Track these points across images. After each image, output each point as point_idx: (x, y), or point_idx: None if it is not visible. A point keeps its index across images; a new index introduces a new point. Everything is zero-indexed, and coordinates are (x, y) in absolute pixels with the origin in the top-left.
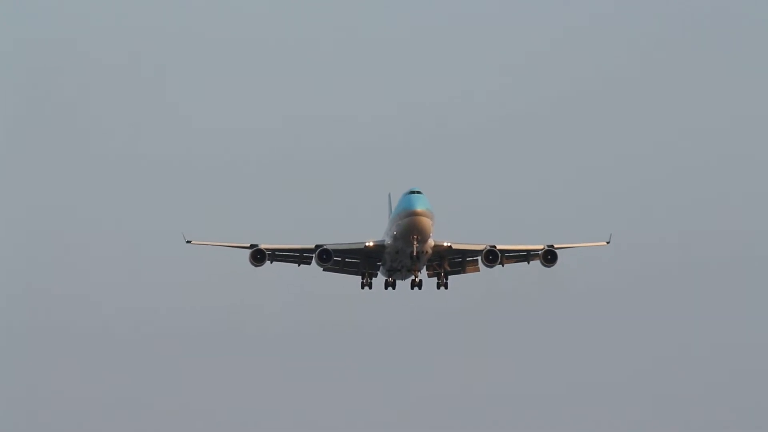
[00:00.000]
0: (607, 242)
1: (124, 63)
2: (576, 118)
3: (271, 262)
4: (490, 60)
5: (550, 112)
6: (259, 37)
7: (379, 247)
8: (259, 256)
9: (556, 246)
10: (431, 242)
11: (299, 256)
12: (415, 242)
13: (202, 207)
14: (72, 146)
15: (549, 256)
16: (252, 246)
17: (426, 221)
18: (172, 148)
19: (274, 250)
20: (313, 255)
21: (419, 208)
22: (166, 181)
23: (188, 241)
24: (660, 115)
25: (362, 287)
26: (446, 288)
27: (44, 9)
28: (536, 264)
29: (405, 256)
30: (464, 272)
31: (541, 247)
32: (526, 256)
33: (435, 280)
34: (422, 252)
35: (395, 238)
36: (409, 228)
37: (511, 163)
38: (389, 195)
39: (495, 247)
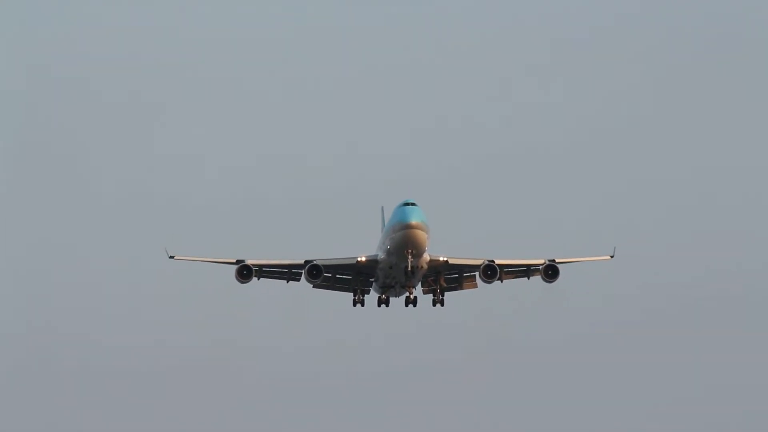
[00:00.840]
0: (611, 256)
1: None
2: (577, 129)
3: (258, 279)
4: (486, 72)
5: (550, 122)
6: (253, 76)
7: (372, 263)
8: (245, 272)
9: (557, 260)
10: (426, 257)
11: (288, 272)
12: (409, 257)
13: (187, 222)
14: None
15: (550, 271)
16: (238, 261)
17: (421, 234)
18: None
19: (261, 266)
20: (303, 271)
21: (414, 221)
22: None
23: (171, 257)
24: (666, 126)
25: (354, 305)
26: (442, 305)
27: (41, 42)
28: (537, 280)
29: (399, 271)
30: (461, 288)
31: (542, 261)
32: (526, 271)
33: (431, 297)
34: (417, 267)
35: (389, 252)
36: (404, 242)
37: (510, 174)
38: (382, 208)
39: (494, 261)
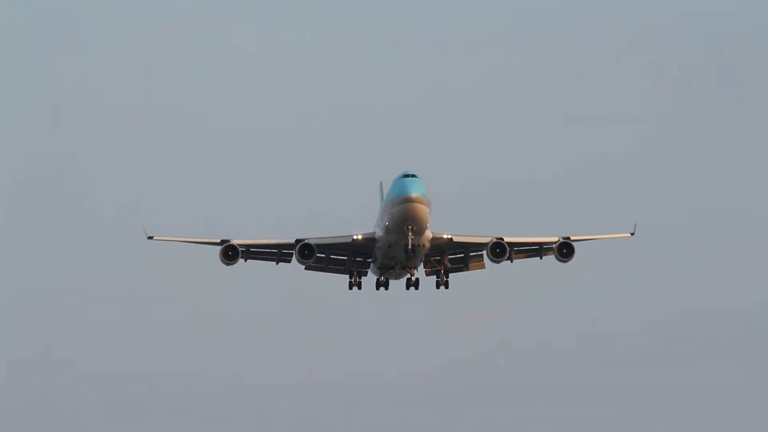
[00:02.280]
0: (632, 233)
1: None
2: (587, 99)
3: (246, 260)
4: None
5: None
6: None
7: (369, 241)
8: (231, 253)
9: (572, 238)
10: (429, 234)
11: (277, 253)
12: (409, 233)
13: (170, 198)
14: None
15: (565, 250)
16: (223, 242)
17: (422, 209)
18: None
19: (248, 246)
20: (294, 251)
21: (414, 194)
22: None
23: (150, 237)
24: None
25: (350, 287)
26: (447, 287)
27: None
28: (550, 259)
29: (399, 250)
30: (467, 269)
31: (555, 239)
32: (538, 250)
33: (434, 279)
34: (418, 245)
35: (387, 229)
36: (403, 216)
37: (517, 146)
38: (381, 183)
39: (502, 239)
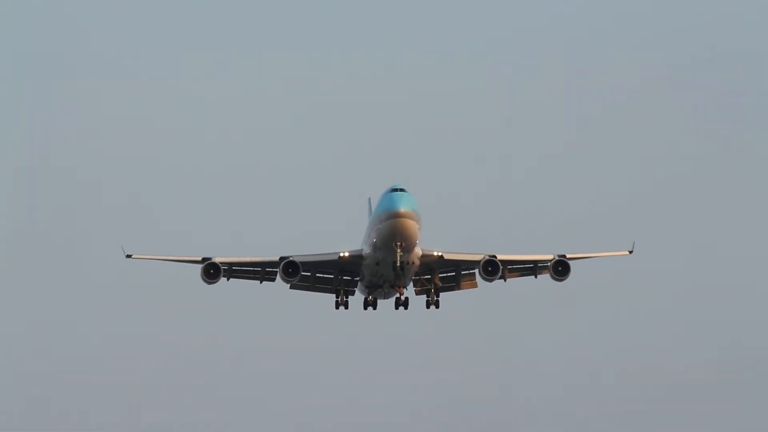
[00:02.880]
0: (630, 251)
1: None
2: (589, 109)
3: (228, 279)
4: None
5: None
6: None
7: (356, 258)
8: (212, 271)
9: (568, 256)
10: (418, 251)
11: (261, 271)
12: (398, 250)
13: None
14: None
15: (560, 268)
16: (204, 259)
17: (411, 224)
18: None
19: (230, 264)
20: (278, 269)
21: (403, 208)
22: None
23: (128, 255)
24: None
25: (337, 307)
26: (437, 307)
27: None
28: (545, 278)
29: (387, 268)
30: (459, 288)
31: (550, 257)
32: (533, 268)
33: (424, 298)
34: (407, 263)
35: (375, 246)
36: (391, 232)
37: (512, 160)
38: (369, 200)
39: (495, 257)
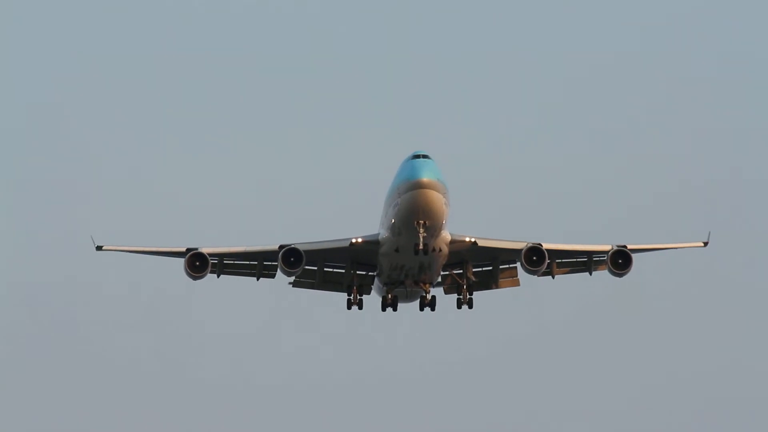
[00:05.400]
0: (705, 243)
1: None
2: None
3: (218, 276)
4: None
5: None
6: None
7: (372, 245)
8: (198, 264)
9: (629, 247)
10: (447, 236)
11: (258, 265)
12: (421, 230)
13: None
14: None
15: (620, 260)
16: (189, 250)
17: (436, 197)
18: None
19: (221, 256)
20: (278, 260)
21: (426, 177)
22: None
23: (99, 247)
24: None
25: (349, 306)
26: (470, 307)
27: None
28: (602, 275)
29: (408, 255)
30: (497, 286)
31: (608, 247)
32: (586, 262)
33: (454, 297)
34: (433, 250)
35: (393, 227)
36: (413, 207)
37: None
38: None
39: (540, 245)
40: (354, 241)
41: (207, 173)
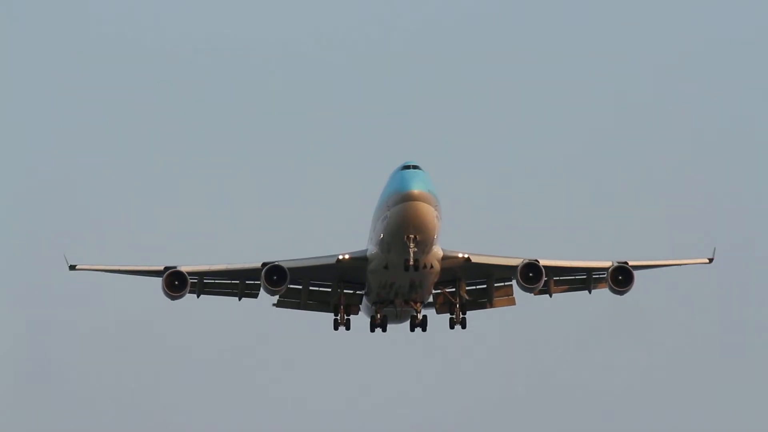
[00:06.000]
0: (710, 259)
1: None
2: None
3: (198, 296)
4: None
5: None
6: None
7: (359, 261)
8: (177, 283)
9: (630, 263)
10: (438, 251)
11: (240, 283)
12: (411, 245)
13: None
14: None
15: (620, 277)
16: (167, 269)
17: (427, 209)
18: None
19: (201, 274)
20: (260, 278)
21: (416, 189)
22: None
23: (72, 266)
24: None
25: (336, 327)
26: (463, 326)
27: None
28: (602, 293)
29: (398, 272)
30: (491, 305)
31: (608, 264)
32: (585, 279)
33: (447, 317)
34: (424, 266)
35: (382, 243)
36: (402, 220)
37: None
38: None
39: (537, 261)
40: (341, 257)
41: (186, 188)
